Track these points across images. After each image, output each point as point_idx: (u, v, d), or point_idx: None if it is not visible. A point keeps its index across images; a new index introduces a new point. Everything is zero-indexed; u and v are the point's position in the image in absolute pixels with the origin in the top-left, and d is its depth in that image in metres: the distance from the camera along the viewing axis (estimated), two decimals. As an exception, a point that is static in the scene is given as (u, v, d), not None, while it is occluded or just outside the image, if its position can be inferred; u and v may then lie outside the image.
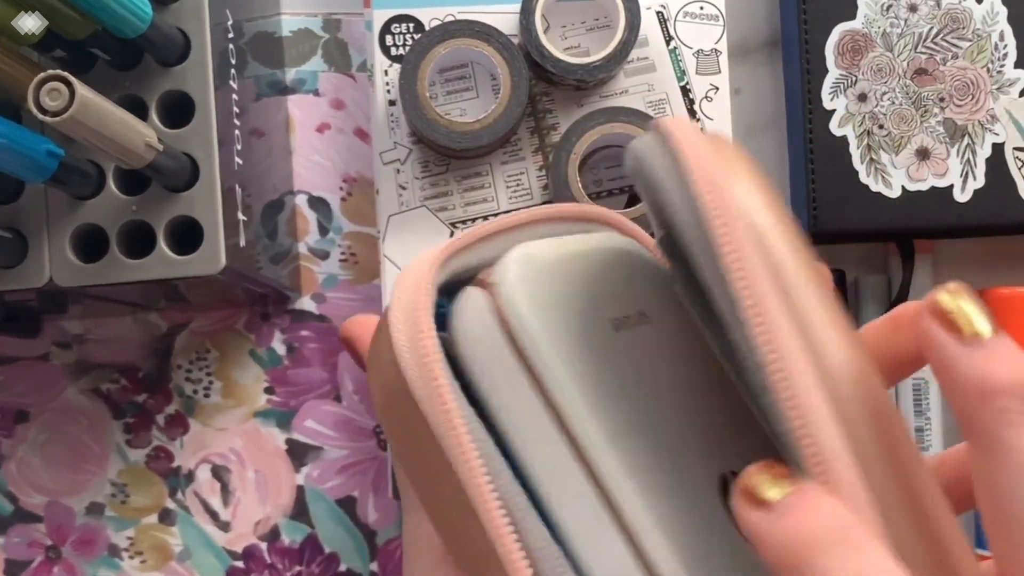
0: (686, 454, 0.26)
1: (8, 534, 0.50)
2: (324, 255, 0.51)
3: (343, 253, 0.51)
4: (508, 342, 0.24)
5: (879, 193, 0.47)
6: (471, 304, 0.25)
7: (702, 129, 0.45)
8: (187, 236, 0.40)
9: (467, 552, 0.24)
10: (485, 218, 0.45)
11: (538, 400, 0.24)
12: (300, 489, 0.50)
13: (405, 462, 0.25)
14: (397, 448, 0.26)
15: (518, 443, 0.24)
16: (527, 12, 0.44)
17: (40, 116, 0.32)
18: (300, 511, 0.50)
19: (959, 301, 0.22)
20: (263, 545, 0.50)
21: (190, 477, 0.50)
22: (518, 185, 0.45)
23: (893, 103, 0.48)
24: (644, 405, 0.25)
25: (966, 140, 0.47)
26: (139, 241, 0.40)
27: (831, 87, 0.48)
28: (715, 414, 0.27)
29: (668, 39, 0.46)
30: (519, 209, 0.46)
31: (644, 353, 0.26)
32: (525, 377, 0.24)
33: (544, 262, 0.26)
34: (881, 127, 0.48)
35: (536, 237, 0.27)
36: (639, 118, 0.43)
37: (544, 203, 0.46)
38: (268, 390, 0.50)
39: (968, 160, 0.47)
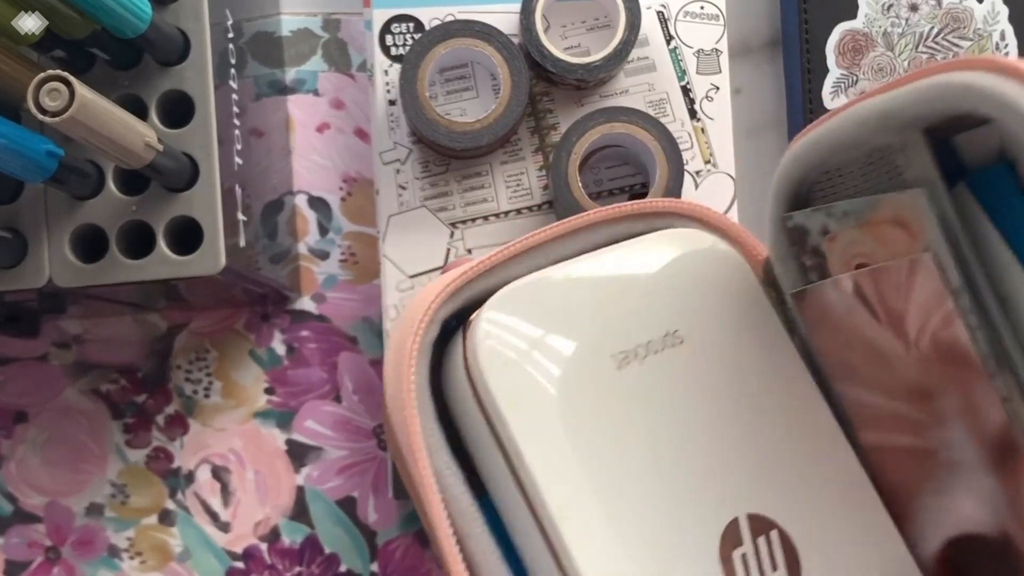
0: (672, 504, 0.25)
1: (7, 535, 0.50)
2: (324, 255, 0.51)
3: (343, 253, 0.51)
4: (474, 395, 0.24)
5: (880, 193, 0.47)
6: (455, 349, 0.25)
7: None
8: (187, 236, 0.40)
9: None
10: (485, 218, 0.45)
11: (500, 456, 0.24)
12: (300, 489, 0.50)
13: (395, 455, 0.26)
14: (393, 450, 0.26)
15: (488, 483, 0.25)
16: (527, 12, 0.44)
17: (40, 116, 0.32)
18: (300, 511, 0.50)
19: None
20: (263, 546, 0.50)
21: (190, 478, 0.50)
22: (518, 185, 0.45)
23: (894, 103, 0.48)
24: (627, 453, 0.25)
25: (967, 140, 0.47)
26: (139, 241, 0.40)
27: (832, 87, 0.48)
28: (726, 445, 0.26)
29: (668, 39, 0.46)
30: (519, 209, 0.46)
31: (655, 385, 0.25)
32: (489, 431, 0.24)
33: (534, 301, 0.25)
34: (882, 127, 0.48)
35: (590, 244, 0.27)
36: (639, 118, 0.43)
37: (544, 203, 0.46)
38: (268, 390, 0.50)
39: (969, 160, 0.47)
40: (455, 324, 0.26)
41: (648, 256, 0.26)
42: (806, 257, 0.26)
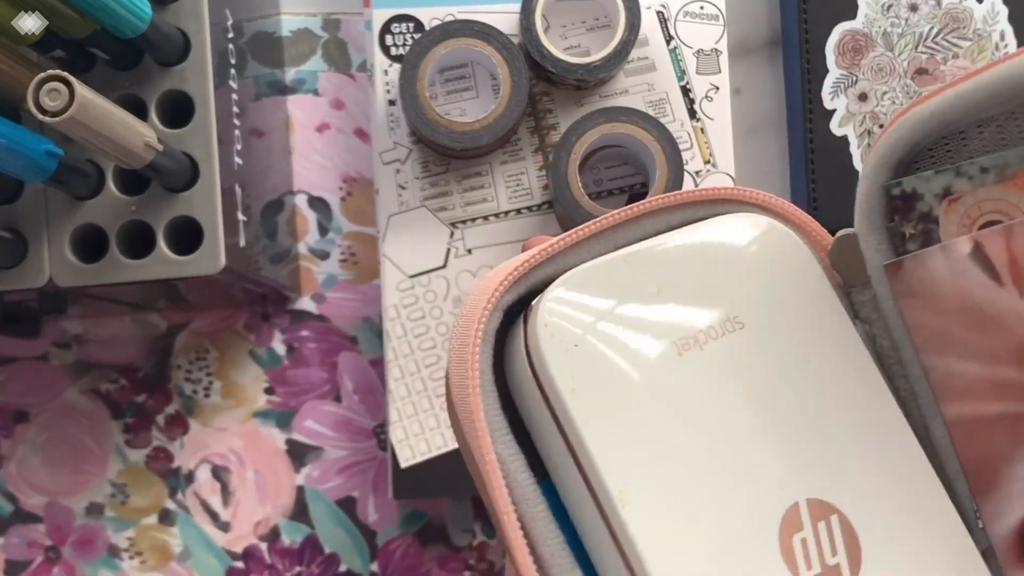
0: (732, 489, 0.25)
1: (8, 534, 0.50)
2: (324, 255, 0.51)
3: (343, 253, 0.51)
4: (534, 379, 0.25)
5: (879, 193, 0.47)
6: (516, 334, 0.25)
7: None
8: (187, 236, 0.40)
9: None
10: (485, 218, 0.45)
11: (560, 440, 0.25)
12: (300, 489, 0.50)
13: (458, 437, 0.27)
14: (459, 437, 0.27)
15: (551, 468, 0.25)
16: (527, 12, 0.44)
17: (40, 116, 0.32)
18: (300, 511, 0.50)
19: None
20: (263, 545, 0.50)
21: (190, 477, 0.50)
22: (518, 185, 0.45)
23: (894, 103, 0.48)
24: (687, 438, 0.25)
25: (966, 140, 0.47)
26: (139, 241, 0.40)
27: (831, 87, 0.48)
28: (787, 431, 0.25)
29: (668, 39, 0.46)
30: (519, 209, 0.46)
31: (716, 371, 0.25)
32: (549, 415, 0.25)
33: (594, 286, 0.25)
34: (882, 127, 0.48)
35: (651, 231, 0.26)
36: (639, 118, 0.43)
37: (544, 203, 0.46)
38: (268, 390, 0.50)
39: (968, 160, 0.47)
40: (517, 311, 0.26)
41: (710, 240, 0.26)
42: (909, 226, 0.26)
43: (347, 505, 0.50)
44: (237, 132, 0.43)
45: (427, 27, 0.45)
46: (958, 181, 0.24)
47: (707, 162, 0.46)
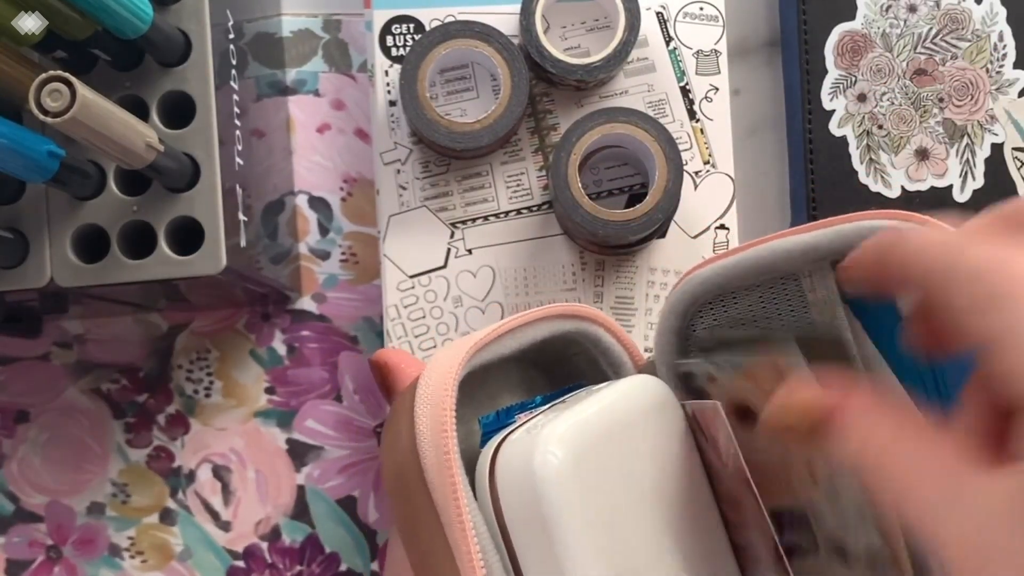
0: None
1: (9, 534, 0.50)
2: (324, 255, 0.51)
3: (343, 253, 0.51)
4: (536, 505, 0.27)
5: (878, 193, 0.48)
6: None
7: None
8: (188, 236, 0.40)
9: None
10: (485, 218, 0.46)
11: (550, 556, 0.27)
12: (300, 489, 0.50)
13: (403, 528, 0.28)
14: (399, 517, 0.29)
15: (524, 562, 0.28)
16: (527, 13, 0.44)
17: (41, 117, 0.32)
18: (300, 511, 0.50)
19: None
20: (264, 545, 0.50)
21: (191, 477, 0.50)
22: (518, 185, 0.46)
23: (892, 103, 0.48)
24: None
25: (965, 140, 0.48)
26: (140, 241, 0.40)
27: (831, 87, 0.48)
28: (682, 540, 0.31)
29: (668, 39, 0.46)
30: (519, 209, 0.46)
31: (660, 498, 0.30)
32: (543, 534, 0.27)
33: (592, 435, 0.29)
34: (880, 127, 0.48)
35: (537, 334, 0.32)
36: (639, 118, 0.43)
37: (544, 203, 0.46)
38: (268, 390, 0.50)
39: (967, 160, 0.48)
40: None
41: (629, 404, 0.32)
42: (692, 394, 0.33)
43: (348, 504, 0.50)
44: (238, 132, 0.44)
45: (427, 28, 0.45)
46: (715, 369, 0.32)
47: (706, 162, 0.46)
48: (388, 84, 0.46)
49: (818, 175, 0.48)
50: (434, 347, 0.45)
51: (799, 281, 0.30)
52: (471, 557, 0.26)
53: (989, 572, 0.20)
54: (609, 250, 0.45)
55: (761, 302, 0.31)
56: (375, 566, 0.50)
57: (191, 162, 0.40)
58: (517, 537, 0.28)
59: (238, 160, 0.43)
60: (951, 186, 0.47)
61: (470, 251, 0.45)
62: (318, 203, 0.51)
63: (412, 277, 0.45)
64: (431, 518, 0.27)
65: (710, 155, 0.46)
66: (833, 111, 0.48)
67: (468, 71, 0.46)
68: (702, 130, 0.46)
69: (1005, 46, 0.48)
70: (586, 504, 0.28)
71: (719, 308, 0.32)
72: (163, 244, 0.40)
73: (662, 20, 0.46)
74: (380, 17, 0.46)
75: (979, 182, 0.47)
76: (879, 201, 0.47)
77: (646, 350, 0.44)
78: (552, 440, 0.28)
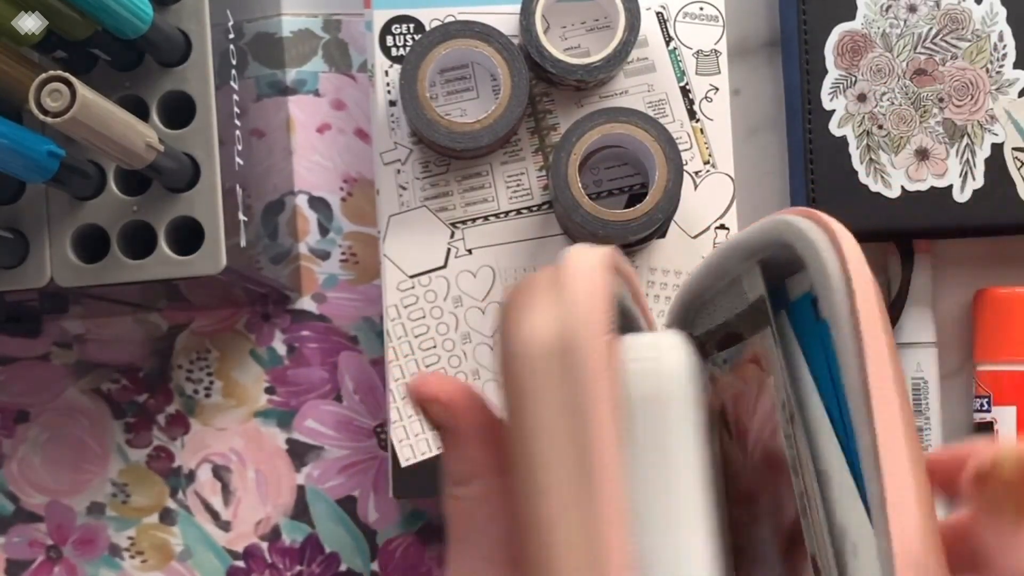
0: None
1: (9, 534, 0.50)
2: (324, 255, 0.51)
3: (343, 253, 0.51)
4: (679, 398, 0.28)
5: (878, 193, 0.48)
6: (677, 348, 0.28)
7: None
8: (188, 236, 0.40)
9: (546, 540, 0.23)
10: (486, 218, 0.46)
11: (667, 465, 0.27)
12: (300, 489, 0.50)
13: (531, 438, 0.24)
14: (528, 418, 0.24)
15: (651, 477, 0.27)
16: (527, 12, 0.44)
17: (41, 117, 0.32)
18: (300, 511, 0.50)
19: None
20: (264, 545, 0.50)
21: (191, 477, 0.50)
22: (518, 185, 0.46)
23: (892, 103, 0.48)
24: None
25: (965, 140, 0.48)
26: (140, 241, 0.40)
27: (831, 87, 0.48)
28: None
29: (668, 39, 0.46)
30: (519, 209, 0.46)
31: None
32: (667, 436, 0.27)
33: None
34: (880, 127, 0.48)
35: None
36: (639, 118, 0.43)
37: (544, 203, 0.46)
38: (268, 390, 0.50)
39: (967, 160, 0.48)
40: None
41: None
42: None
43: (347, 504, 0.50)
44: (238, 132, 0.44)
45: (427, 28, 0.45)
46: (717, 370, 0.33)
47: (706, 162, 0.46)
48: (388, 84, 0.46)
49: (818, 175, 0.48)
50: (434, 347, 0.45)
51: (741, 281, 0.30)
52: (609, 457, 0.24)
53: None
54: (609, 250, 0.45)
55: (723, 309, 0.32)
56: (375, 566, 0.50)
57: (191, 162, 0.40)
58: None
59: (238, 160, 0.43)
60: (951, 186, 0.47)
61: (470, 251, 0.45)
62: (318, 203, 0.51)
63: (412, 277, 0.45)
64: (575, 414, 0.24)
65: (710, 155, 0.46)
66: (833, 111, 0.48)
67: (468, 71, 0.46)
68: (702, 130, 0.46)
69: (1005, 46, 0.48)
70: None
71: (707, 312, 0.33)
72: (163, 244, 0.40)
73: (662, 20, 0.46)
74: (380, 17, 0.46)
75: (979, 182, 0.47)
76: (879, 201, 0.47)
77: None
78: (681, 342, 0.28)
